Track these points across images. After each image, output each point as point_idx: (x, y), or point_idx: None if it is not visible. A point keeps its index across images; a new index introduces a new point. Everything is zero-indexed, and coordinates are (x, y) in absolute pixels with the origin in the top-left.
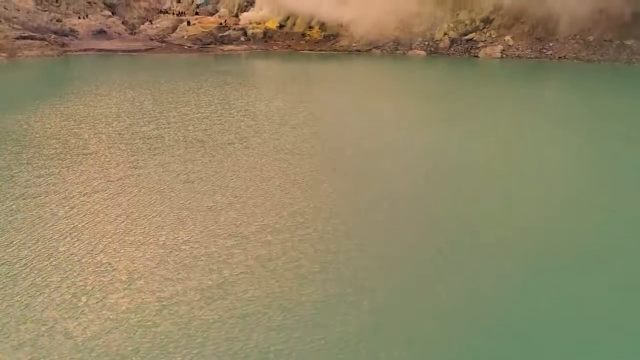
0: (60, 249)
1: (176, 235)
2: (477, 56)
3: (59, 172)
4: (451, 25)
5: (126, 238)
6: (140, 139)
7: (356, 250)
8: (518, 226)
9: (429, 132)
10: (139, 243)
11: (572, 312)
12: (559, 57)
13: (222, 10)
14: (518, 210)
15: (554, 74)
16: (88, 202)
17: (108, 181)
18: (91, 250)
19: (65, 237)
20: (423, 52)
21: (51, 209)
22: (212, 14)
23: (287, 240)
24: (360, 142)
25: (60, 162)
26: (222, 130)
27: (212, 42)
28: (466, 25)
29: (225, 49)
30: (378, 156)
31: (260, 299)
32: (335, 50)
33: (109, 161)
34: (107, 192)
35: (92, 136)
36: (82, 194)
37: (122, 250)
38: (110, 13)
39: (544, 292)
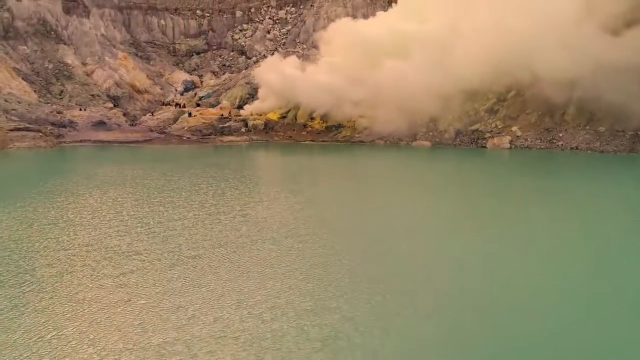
0: None
1: None
2: (484, 146)
3: None
4: (455, 116)
5: None
6: (109, 257)
7: None
8: None
9: (462, 240)
10: None
11: None
12: (571, 148)
13: (224, 102)
14: None
15: (572, 165)
16: None
17: (49, 338)
18: None
19: None
20: (428, 143)
21: None
22: (213, 106)
23: None
24: (383, 263)
25: None
26: (215, 244)
27: (212, 133)
28: (470, 115)
29: (225, 140)
30: (408, 286)
31: None
32: (337, 140)
33: (59, 296)
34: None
35: (50, 252)
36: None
37: None
38: (112, 105)
39: None
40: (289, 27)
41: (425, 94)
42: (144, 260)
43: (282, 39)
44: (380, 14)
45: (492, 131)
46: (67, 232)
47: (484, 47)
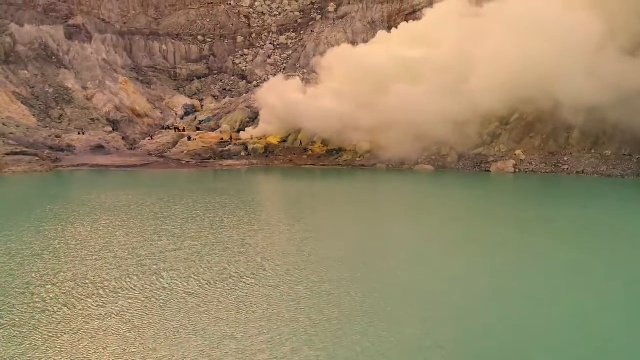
0: None
1: None
2: (488, 170)
3: None
4: (458, 139)
5: None
6: (94, 295)
7: None
8: None
9: (474, 270)
10: None
11: None
12: (577, 172)
13: (224, 126)
14: None
15: (579, 190)
16: None
17: None
18: None
19: None
20: (430, 167)
21: None
22: (213, 130)
23: None
24: (393, 296)
25: None
26: (211, 279)
27: (212, 157)
28: (474, 139)
29: (225, 164)
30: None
31: None
32: (338, 164)
33: (33, 339)
34: None
35: (31, 288)
36: None
37: None
38: (111, 129)
39: None
40: (290, 52)
41: (439, 119)
42: (132, 298)
43: (283, 63)
44: (380, 35)
45: (495, 155)
46: (52, 265)
47: (498, 72)
